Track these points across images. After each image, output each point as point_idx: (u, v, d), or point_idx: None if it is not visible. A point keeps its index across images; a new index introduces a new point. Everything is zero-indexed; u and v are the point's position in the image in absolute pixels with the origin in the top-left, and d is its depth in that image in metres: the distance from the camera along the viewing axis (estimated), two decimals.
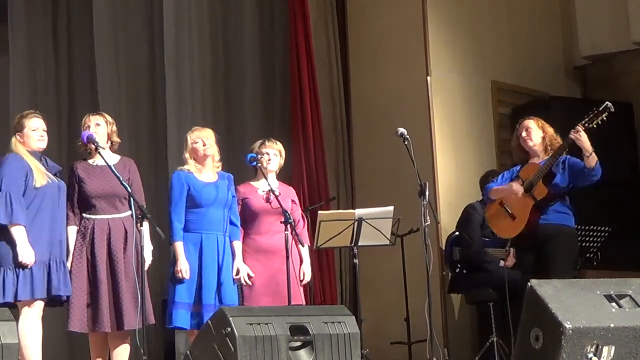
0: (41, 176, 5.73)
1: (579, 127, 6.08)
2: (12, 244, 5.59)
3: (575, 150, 6.19)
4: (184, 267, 6.06)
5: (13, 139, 5.85)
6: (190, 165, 6.26)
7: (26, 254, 5.57)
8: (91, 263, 5.85)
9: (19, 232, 5.59)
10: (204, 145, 6.26)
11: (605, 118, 6.12)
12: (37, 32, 9.23)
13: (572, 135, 6.08)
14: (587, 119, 6.13)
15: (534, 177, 6.22)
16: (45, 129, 5.91)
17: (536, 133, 6.38)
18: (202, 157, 6.27)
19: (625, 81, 9.00)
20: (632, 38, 8.81)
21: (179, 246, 6.10)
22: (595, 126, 6.12)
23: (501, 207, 6.37)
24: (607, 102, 6.14)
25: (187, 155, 6.29)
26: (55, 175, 5.89)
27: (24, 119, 5.88)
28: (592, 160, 6.08)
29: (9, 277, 5.56)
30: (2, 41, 9.25)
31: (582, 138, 6.06)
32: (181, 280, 6.06)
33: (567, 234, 6.30)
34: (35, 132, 5.84)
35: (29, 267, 5.58)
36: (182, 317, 6.05)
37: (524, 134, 6.38)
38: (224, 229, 6.23)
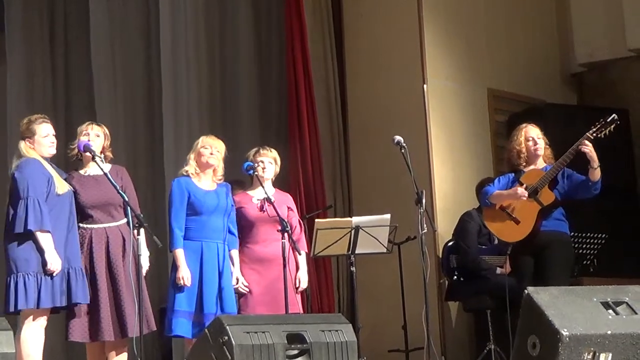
0: (62, 183, 5.69)
1: (588, 137, 6.05)
2: (36, 250, 5.53)
3: (576, 159, 6.15)
4: (185, 275, 6.04)
5: (22, 144, 5.74)
6: (191, 167, 6.23)
7: (54, 261, 5.51)
8: (90, 272, 5.83)
9: (46, 239, 5.53)
10: (211, 153, 6.24)
11: (612, 129, 6.10)
12: (35, 41, 9.26)
13: (583, 147, 6.01)
14: (595, 129, 6.09)
15: (539, 182, 6.18)
16: (55, 134, 5.82)
17: (542, 141, 6.37)
18: (204, 164, 6.24)
19: (621, 88, 9.03)
20: (627, 45, 8.83)
21: (180, 253, 6.08)
22: (602, 137, 6.09)
23: (502, 211, 6.31)
24: (614, 114, 6.13)
25: (192, 155, 6.26)
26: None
27: (34, 125, 5.76)
28: (598, 173, 6.04)
29: (31, 283, 5.48)
30: None
31: (592, 149, 6.03)
32: (181, 288, 6.04)
33: (564, 241, 6.29)
34: (46, 138, 5.75)
35: (55, 274, 5.52)
36: (182, 326, 6.03)
37: (533, 144, 6.31)
38: (224, 237, 6.23)
